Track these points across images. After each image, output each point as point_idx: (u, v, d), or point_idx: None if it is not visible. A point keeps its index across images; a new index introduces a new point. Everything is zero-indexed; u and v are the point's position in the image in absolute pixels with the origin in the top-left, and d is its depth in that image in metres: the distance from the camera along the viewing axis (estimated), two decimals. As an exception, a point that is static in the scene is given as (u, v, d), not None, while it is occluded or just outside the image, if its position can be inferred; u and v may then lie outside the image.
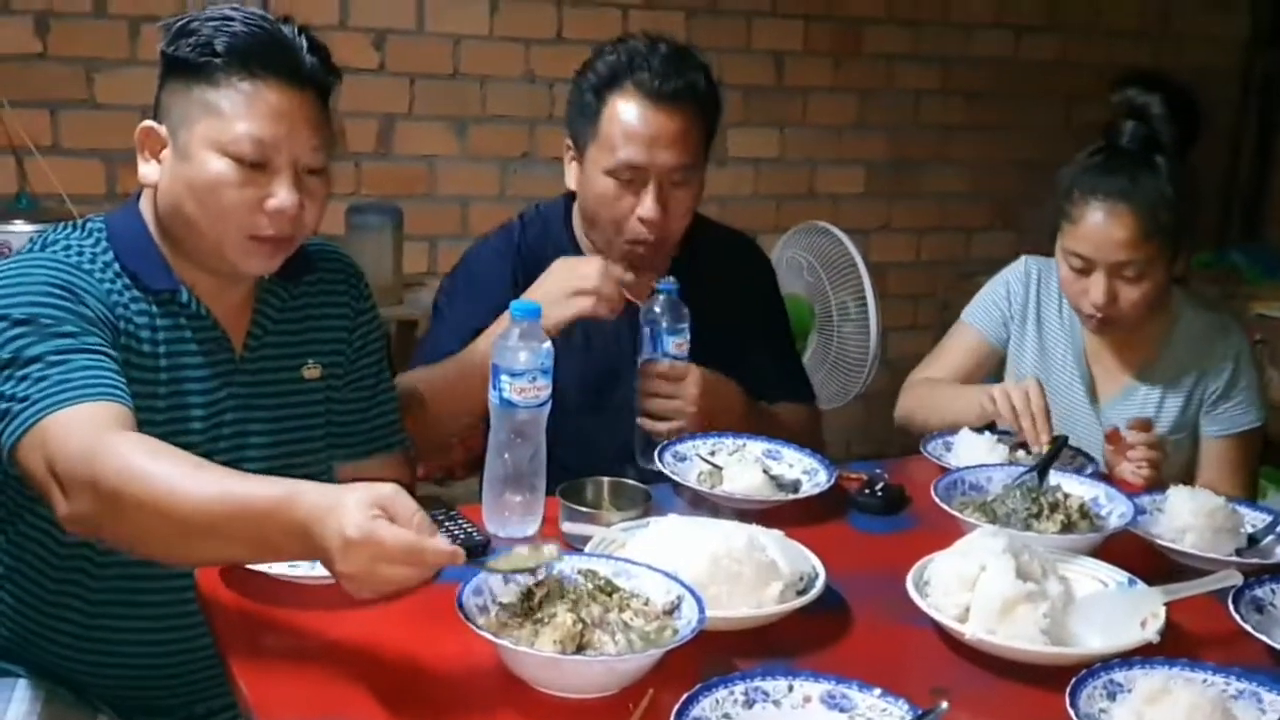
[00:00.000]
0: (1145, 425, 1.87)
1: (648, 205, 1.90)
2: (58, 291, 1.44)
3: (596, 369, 2.03)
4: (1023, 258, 2.24)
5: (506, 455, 1.53)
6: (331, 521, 1.15)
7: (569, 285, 1.84)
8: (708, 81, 1.98)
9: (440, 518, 1.53)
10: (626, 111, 1.90)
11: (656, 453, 1.76)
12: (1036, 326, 2.19)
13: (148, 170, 1.54)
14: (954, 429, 1.92)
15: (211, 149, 1.47)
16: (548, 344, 1.52)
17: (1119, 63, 4.69)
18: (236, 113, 1.47)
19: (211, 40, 1.46)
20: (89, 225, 1.57)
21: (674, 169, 1.91)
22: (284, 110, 1.48)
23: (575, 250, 2.05)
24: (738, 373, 1.98)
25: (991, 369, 2.23)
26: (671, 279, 1.87)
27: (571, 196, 2.09)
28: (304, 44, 1.52)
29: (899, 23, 4.35)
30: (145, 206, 1.59)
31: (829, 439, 2.31)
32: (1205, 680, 1.21)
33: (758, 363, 2.08)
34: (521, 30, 3.81)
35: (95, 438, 1.27)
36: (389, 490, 1.18)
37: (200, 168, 1.48)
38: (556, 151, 3.78)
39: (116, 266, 1.53)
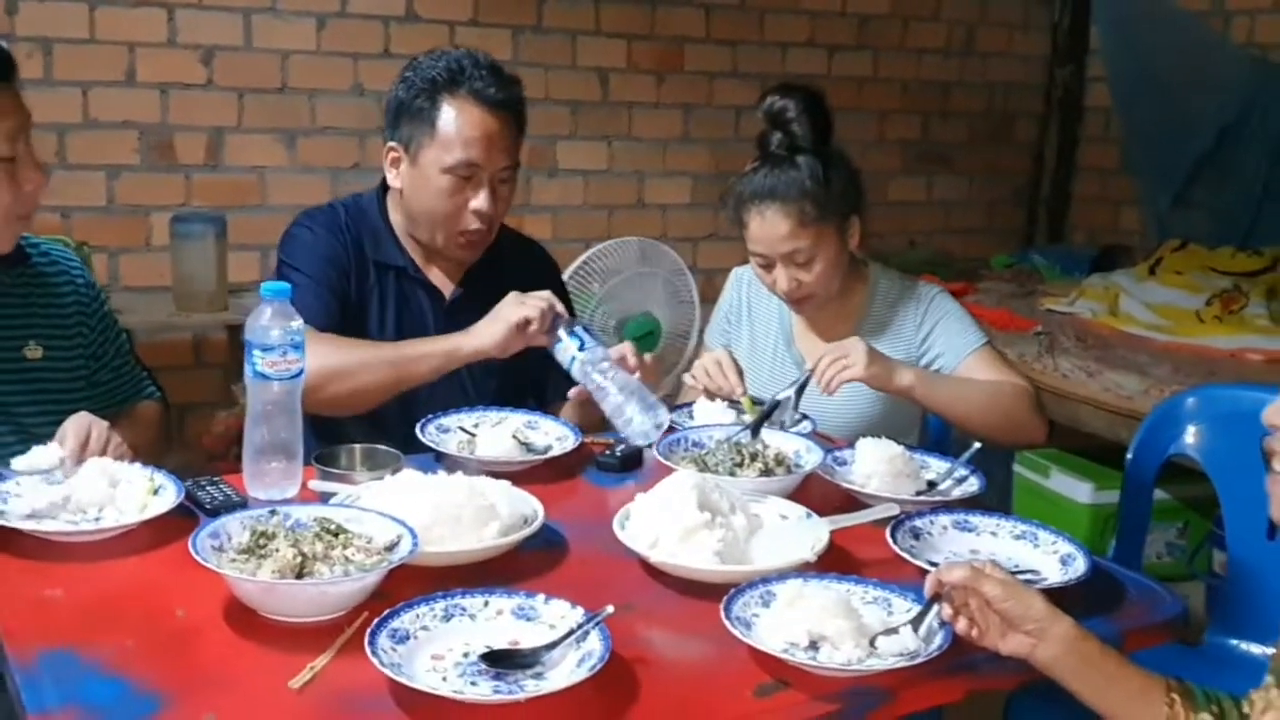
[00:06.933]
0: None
1: (483, 199, 2.10)
2: None
3: None
4: (734, 270, 2.49)
5: (264, 425, 1.68)
6: None
7: (514, 314, 1.99)
8: (522, 92, 2.19)
9: (203, 483, 1.67)
10: (464, 115, 2.08)
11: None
12: (749, 323, 2.42)
13: None
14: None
15: None
16: (298, 321, 1.67)
17: (926, 79, 5.04)
18: None
19: None
20: None
21: (504, 168, 2.13)
22: None
23: (390, 238, 2.21)
24: (542, 363, 2.10)
25: None
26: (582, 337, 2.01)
27: (383, 192, 2.25)
28: None
29: (717, 42, 4.60)
30: None
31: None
32: (843, 588, 1.42)
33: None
34: (349, 45, 3.97)
35: None
36: None
37: None
38: (386, 161, 3.96)
39: None
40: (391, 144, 2.16)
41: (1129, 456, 2.29)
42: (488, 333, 2.01)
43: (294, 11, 3.86)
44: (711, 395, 2.12)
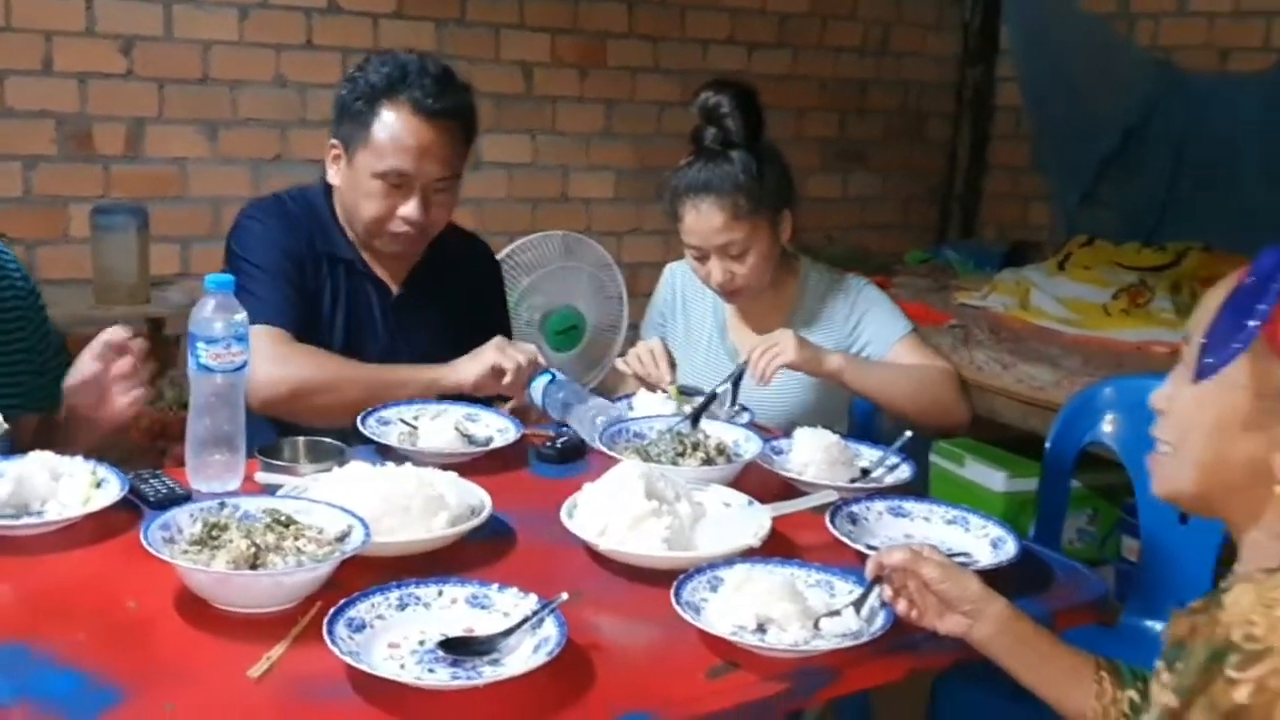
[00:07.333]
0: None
1: (412, 208, 2.10)
2: None
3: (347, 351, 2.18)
4: (668, 265, 2.54)
5: (207, 417, 1.68)
6: None
7: (493, 359, 2.05)
8: (470, 101, 2.17)
9: (146, 476, 1.67)
10: (399, 123, 2.07)
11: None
12: (684, 316, 2.48)
13: None
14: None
15: None
16: (242, 314, 1.67)
17: (843, 77, 5.12)
18: None
19: None
20: None
21: (438, 179, 2.11)
22: None
23: (338, 232, 2.21)
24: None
25: None
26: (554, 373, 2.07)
27: (329, 185, 2.23)
28: None
29: (640, 37, 4.63)
30: None
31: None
32: (788, 572, 1.47)
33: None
34: (271, 37, 3.92)
35: None
36: None
37: None
38: (309, 153, 3.96)
39: None
40: (333, 141, 2.17)
41: (1048, 445, 2.37)
42: (466, 370, 2.06)
43: (216, 2, 3.81)
44: (651, 387, 2.16)
